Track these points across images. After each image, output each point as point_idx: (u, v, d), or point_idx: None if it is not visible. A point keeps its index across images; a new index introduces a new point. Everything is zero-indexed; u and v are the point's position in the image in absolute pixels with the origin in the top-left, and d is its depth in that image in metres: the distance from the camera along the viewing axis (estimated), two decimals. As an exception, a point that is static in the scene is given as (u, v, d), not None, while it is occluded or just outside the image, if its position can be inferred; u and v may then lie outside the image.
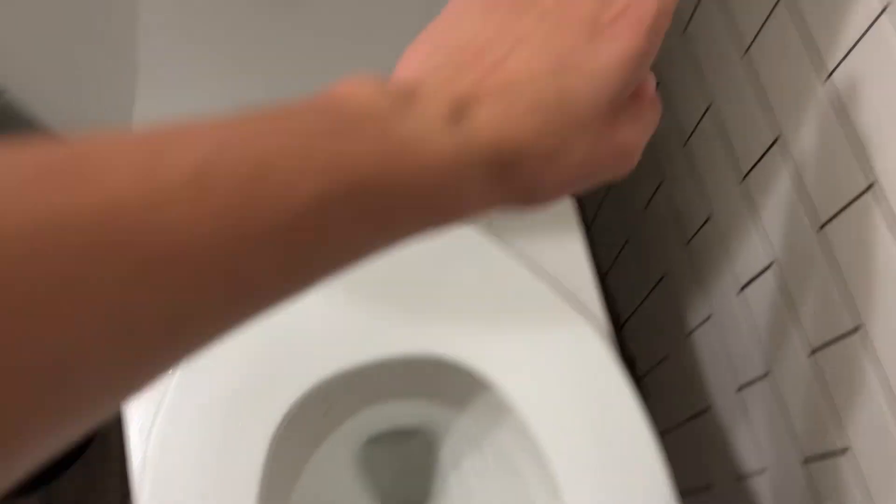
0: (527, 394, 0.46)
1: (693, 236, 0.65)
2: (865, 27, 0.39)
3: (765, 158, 0.50)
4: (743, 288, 0.57)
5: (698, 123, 0.60)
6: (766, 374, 0.56)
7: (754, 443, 0.61)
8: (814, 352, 0.48)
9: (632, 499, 0.43)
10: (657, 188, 0.71)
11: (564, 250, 0.53)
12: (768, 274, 0.53)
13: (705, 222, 0.62)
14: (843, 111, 0.42)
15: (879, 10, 0.37)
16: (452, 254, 0.49)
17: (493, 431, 0.61)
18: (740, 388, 0.61)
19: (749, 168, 0.53)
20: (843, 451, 0.47)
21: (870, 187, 0.40)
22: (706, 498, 0.74)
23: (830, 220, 0.45)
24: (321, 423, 0.58)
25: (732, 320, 0.60)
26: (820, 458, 0.50)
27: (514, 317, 0.48)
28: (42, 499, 0.88)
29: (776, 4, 0.46)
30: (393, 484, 0.66)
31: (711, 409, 0.68)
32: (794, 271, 0.49)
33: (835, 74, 0.42)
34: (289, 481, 0.58)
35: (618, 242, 0.84)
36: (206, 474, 0.45)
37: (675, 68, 0.62)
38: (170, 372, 0.38)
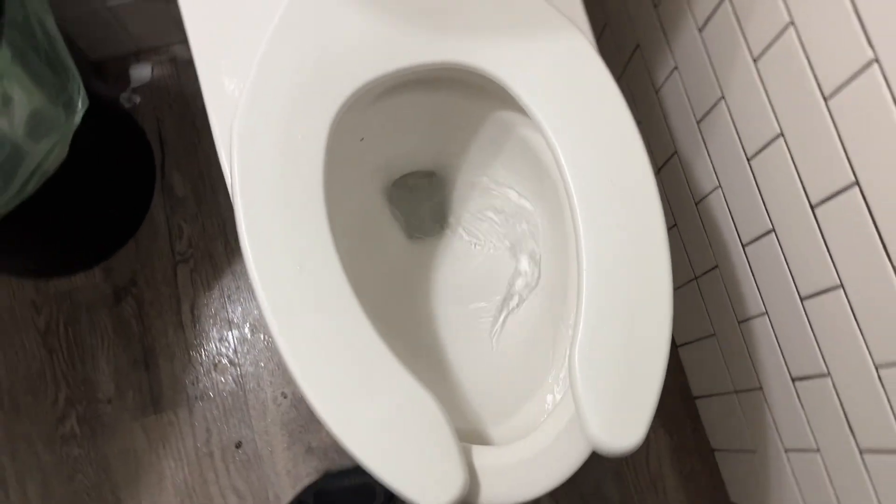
0: (532, 91, 0.57)
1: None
2: None
3: None
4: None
5: None
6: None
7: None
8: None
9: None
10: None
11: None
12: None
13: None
14: None
15: None
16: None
17: (500, 159, 0.72)
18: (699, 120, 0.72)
19: None
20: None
21: None
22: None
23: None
24: (355, 148, 0.68)
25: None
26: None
27: (524, 31, 0.58)
28: (103, 270, 1.00)
29: None
30: (412, 216, 0.79)
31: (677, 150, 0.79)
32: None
33: None
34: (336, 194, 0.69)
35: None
36: (281, 169, 0.55)
37: None
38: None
